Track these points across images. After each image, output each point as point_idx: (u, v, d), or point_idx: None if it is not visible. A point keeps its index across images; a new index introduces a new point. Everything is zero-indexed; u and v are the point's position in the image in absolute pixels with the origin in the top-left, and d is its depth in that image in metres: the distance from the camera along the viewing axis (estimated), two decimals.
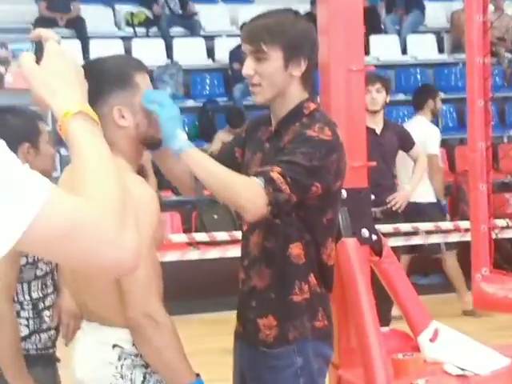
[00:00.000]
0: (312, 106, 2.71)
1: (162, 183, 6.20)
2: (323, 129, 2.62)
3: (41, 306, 2.97)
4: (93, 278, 2.26)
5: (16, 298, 2.91)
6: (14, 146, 2.84)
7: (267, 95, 2.67)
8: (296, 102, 2.69)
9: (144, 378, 2.31)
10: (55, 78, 1.52)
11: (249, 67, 2.65)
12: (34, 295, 2.95)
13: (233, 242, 6.26)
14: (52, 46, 1.55)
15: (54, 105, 1.51)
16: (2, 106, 3.04)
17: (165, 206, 7.25)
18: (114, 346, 2.31)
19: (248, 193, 2.50)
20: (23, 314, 2.94)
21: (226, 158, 2.87)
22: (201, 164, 2.52)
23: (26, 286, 2.92)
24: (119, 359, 2.31)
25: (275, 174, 2.50)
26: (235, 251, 3.13)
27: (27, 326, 2.93)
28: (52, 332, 2.98)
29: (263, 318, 2.70)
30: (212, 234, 6.95)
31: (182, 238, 6.97)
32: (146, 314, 2.23)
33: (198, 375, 2.31)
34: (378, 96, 5.93)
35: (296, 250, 2.67)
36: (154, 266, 2.30)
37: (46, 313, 2.97)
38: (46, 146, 2.98)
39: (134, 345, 2.30)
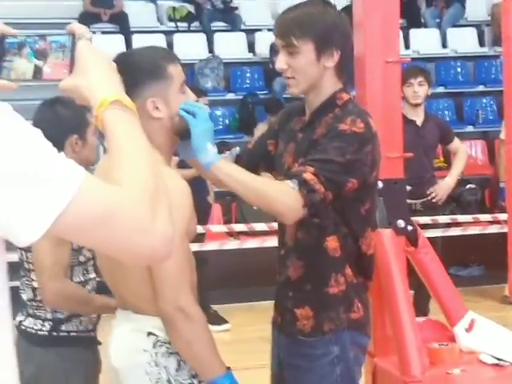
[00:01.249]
0: (345, 96, 2.70)
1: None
2: (355, 121, 2.60)
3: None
4: (127, 267, 2.27)
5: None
6: (62, 137, 2.91)
7: (302, 87, 2.68)
8: (330, 92, 2.69)
9: (178, 365, 2.32)
10: (91, 73, 1.53)
11: (282, 61, 2.66)
12: (76, 279, 2.98)
13: (271, 232, 6.28)
14: (85, 44, 1.56)
15: (89, 95, 1.52)
16: (51, 98, 3.10)
17: None
18: (149, 333, 2.32)
19: (283, 198, 2.52)
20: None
21: (260, 152, 2.91)
22: (231, 176, 2.53)
23: (69, 270, 2.95)
24: (154, 347, 2.32)
25: (308, 174, 2.50)
26: (273, 241, 3.13)
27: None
28: (94, 316, 3.01)
29: (300, 308, 2.71)
30: (251, 224, 6.95)
31: (221, 228, 6.95)
32: (177, 307, 2.23)
33: (228, 368, 2.32)
34: (420, 89, 5.89)
35: (332, 243, 2.67)
36: (187, 258, 2.30)
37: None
38: (93, 138, 3.02)
39: (167, 332, 2.31)
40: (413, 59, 8.02)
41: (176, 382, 2.31)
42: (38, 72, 1.53)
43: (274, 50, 9.97)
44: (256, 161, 2.88)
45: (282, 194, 2.51)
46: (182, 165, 4.65)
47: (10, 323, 1.44)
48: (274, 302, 2.88)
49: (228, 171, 2.52)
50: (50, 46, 1.55)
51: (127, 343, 2.38)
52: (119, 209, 1.33)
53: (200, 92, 7.04)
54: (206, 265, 6.50)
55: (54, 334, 2.95)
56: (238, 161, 2.86)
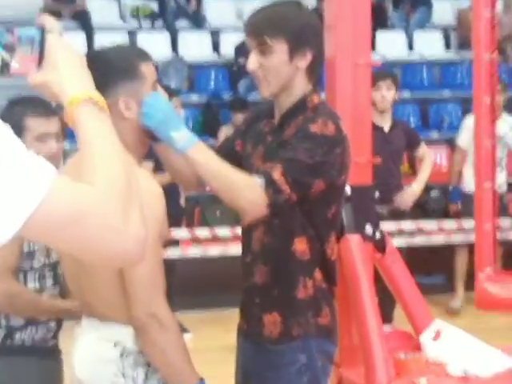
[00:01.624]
0: (316, 99, 2.70)
1: None
2: (326, 123, 2.61)
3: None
4: (95, 272, 2.25)
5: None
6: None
7: (273, 89, 2.67)
8: (300, 94, 2.69)
9: (146, 376, 2.30)
10: (62, 68, 1.53)
11: (254, 61, 2.65)
12: (30, 285, 2.93)
13: (235, 238, 6.27)
14: (55, 38, 1.56)
15: (60, 93, 1.52)
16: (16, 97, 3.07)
17: None
18: (116, 343, 2.29)
19: (249, 194, 2.51)
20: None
21: (227, 152, 2.87)
22: (203, 163, 2.50)
23: (21, 275, 2.91)
24: (121, 357, 2.29)
25: (277, 173, 2.51)
26: (237, 248, 3.12)
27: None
28: (52, 324, 2.96)
29: (268, 314, 2.70)
30: (214, 229, 6.93)
31: (184, 233, 6.93)
32: (151, 314, 2.21)
33: (201, 379, 2.30)
34: (387, 94, 5.90)
35: (301, 245, 2.67)
36: (160, 263, 2.27)
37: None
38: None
39: (135, 342, 2.29)
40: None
41: None
42: (5, 66, 1.53)
43: (239, 51, 10.00)
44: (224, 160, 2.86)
45: (248, 191, 2.51)
46: (156, 170, 4.64)
47: None
48: (239, 309, 2.86)
49: (200, 158, 2.49)
50: (17, 39, 1.54)
51: (93, 353, 2.35)
52: (90, 208, 1.33)
53: (172, 92, 7.04)
54: (173, 271, 6.54)
55: (8, 342, 2.89)
56: None
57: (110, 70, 2.27)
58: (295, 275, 2.68)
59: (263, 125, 2.81)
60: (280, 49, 2.62)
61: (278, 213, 2.59)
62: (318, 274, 2.70)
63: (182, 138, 2.44)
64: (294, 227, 2.67)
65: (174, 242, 6.83)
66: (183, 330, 6.89)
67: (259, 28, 2.64)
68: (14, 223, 1.26)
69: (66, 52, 1.55)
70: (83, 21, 10.42)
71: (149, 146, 2.49)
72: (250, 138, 2.83)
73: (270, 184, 2.50)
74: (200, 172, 2.53)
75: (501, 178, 6.53)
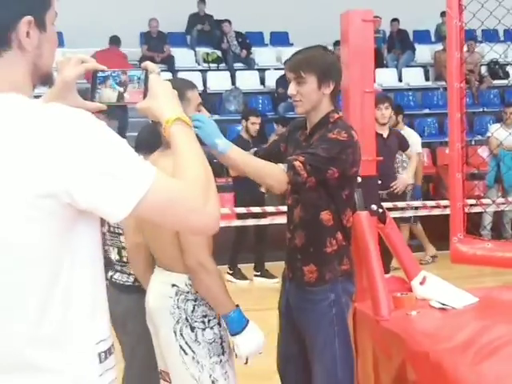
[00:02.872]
0: (336, 116, 2.69)
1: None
2: (340, 132, 2.61)
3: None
4: (162, 235, 2.28)
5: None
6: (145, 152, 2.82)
7: (306, 108, 2.66)
8: (325, 112, 2.68)
9: (193, 308, 2.32)
10: (161, 98, 1.52)
11: (292, 89, 2.64)
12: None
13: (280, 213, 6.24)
14: (156, 76, 1.56)
15: (159, 115, 1.51)
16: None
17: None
18: (173, 285, 2.34)
19: (274, 175, 2.52)
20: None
21: (274, 150, 2.90)
22: (238, 159, 2.48)
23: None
24: (176, 294, 2.33)
25: (297, 162, 2.51)
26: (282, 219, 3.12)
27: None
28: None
29: (307, 266, 2.70)
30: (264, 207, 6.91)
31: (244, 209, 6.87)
32: (199, 262, 2.24)
33: (237, 306, 2.32)
34: (386, 112, 5.87)
35: (325, 215, 2.67)
36: None
37: None
38: None
39: (186, 285, 2.32)
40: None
41: (191, 320, 2.31)
42: (120, 97, 1.54)
43: (279, 83, 9.99)
44: (269, 157, 2.82)
45: (274, 172, 2.52)
46: None
47: (104, 281, 1.44)
48: (285, 262, 2.86)
49: (236, 156, 2.47)
50: (128, 78, 1.54)
51: (158, 290, 2.39)
52: (181, 195, 1.33)
53: (254, 112, 7.12)
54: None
55: (136, 284, 2.89)
56: (255, 154, 2.83)
57: None
58: (324, 237, 2.69)
59: (299, 134, 2.80)
60: (311, 80, 2.62)
61: (297, 191, 2.60)
62: (339, 235, 2.70)
63: (222, 143, 2.41)
64: (320, 204, 2.68)
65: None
66: (243, 277, 6.97)
67: (297, 65, 2.64)
68: (130, 204, 1.27)
69: (163, 86, 1.55)
70: (169, 64, 10.48)
71: None
72: (291, 142, 2.83)
73: (291, 168, 2.50)
74: (236, 166, 2.52)
75: None
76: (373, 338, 2.86)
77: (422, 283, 3.09)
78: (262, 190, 6.63)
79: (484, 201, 6.61)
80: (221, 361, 2.32)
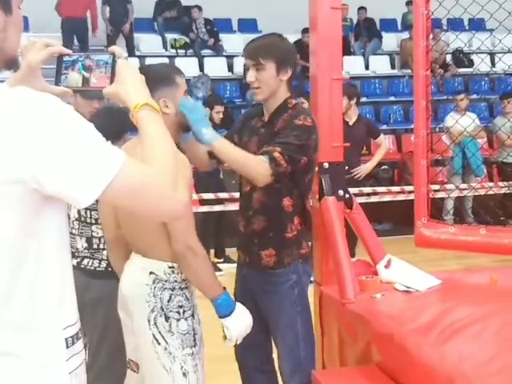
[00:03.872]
0: (293, 101, 2.75)
1: None
2: (306, 118, 2.67)
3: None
4: (145, 223, 2.25)
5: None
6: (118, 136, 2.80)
7: (265, 95, 2.70)
8: (283, 98, 2.72)
9: (170, 297, 2.29)
10: (127, 82, 1.51)
11: (252, 76, 2.67)
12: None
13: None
14: (124, 61, 1.55)
15: (127, 100, 1.50)
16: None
17: None
18: (151, 272, 2.30)
19: (258, 168, 2.54)
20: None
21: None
22: (222, 151, 2.52)
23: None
24: (153, 282, 2.29)
25: (276, 153, 2.54)
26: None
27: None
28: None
29: (265, 250, 2.75)
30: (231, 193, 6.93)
31: (209, 196, 6.89)
32: (188, 246, 2.22)
33: (224, 288, 2.35)
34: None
35: (287, 201, 2.73)
36: (192, 213, 2.29)
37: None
38: None
39: (165, 273, 2.29)
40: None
41: (167, 310, 2.28)
42: (85, 82, 1.53)
43: (244, 70, 9.97)
44: None
45: (257, 165, 2.54)
46: None
47: (71, 266, 1.43)
48: (238, 248, 2.91)
49: (222, 147, 2.51)
50: (95, 63, 1.53)
51: (134, 277, 2.35)
52: (151, 181, 1.32)
53: (219, 101, 7.11)
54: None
55: (109, 269, 2.89)
56: None
57: (154, 78, 2.24)
58: (284, 222, 2.74)
59: (255, 122, 2.82)
60: (270, 67, 2.65)
61: (278, 180, 2.62)
62: (297, 221, 2.76)
63: (209, 133, 2.44)
64: (283, 190, 2.72)
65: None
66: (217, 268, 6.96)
67: (255, 52, 2.66)
68: (98, 188, 1.25)
69: (131, 71, 1.54)
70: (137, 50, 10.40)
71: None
72: (245, 131, 2.84)
73: (272, 160, 2.54)
74: (222, 156, 2.55)
75: None
76: (339, 320, 2.89)
77: (386, 267, 3.12)
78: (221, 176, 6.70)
79: (447, 186, 6.71)
80: (192, 353, 2.30)
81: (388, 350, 2.42)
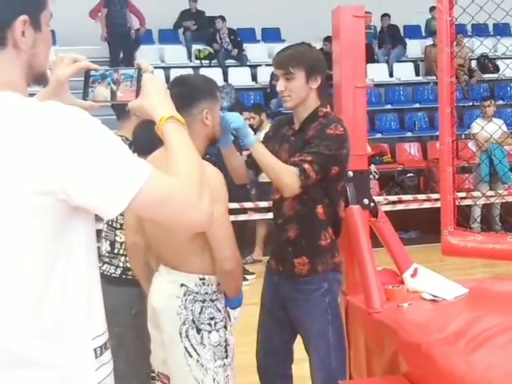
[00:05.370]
0: (324, 110, 2.75)
1: None
2: (337, 127, 2.66)
3: None
4: (176, 237, 2.24)
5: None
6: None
7: (295, 103, 2.71)
8: (313, 107, 2.73)
9: (201, 309, 2.28)
10: (153, 96, 1.52)
11: (281, 85, 2.69)
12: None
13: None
14: (149, 75, 1.56)
15: (153, 113, 1.51)
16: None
17: None
18: (182, 285, 2.29)
19: (289, 179, 2.57)
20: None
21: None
22: (262, 155, 2.59)
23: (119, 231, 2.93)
24: (184, 295, 2.28)
25: (307, 165, 2.56)
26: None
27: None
28: None
29: (298, 258, 2.74)
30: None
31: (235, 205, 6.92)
32: (238, 260, 2.27)
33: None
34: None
35: (320, 210, 2.73)
36: (231, 225, 2.31)
37: None
38: None
39: (196, 285, 2.28)
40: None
41: (198, 322, 2.27)
42: (113, 95, 1.54)
43: (271, 79, 9.99)
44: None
45: (288, 176, 2.57)
46: None
47: (98, 276, 1.44)
48: (270, 256, 2.92)
49: (261, 151, 2.60)
50: (121, 77, 1.55)
51: (165, 290, 2.33)
52: (176, 193, 1.33)
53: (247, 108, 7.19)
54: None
55: (123, 276, 2.93)
56: (247, 160, 2.89)
57: (199, 90, 2.30)
58: (318, 230, 2.74)
59: (286, 130, 2.83)
60: (300, 76, 2.66)
61: (303, 191, 2.63)
62: (330, 230, 2.76)
63: (252, 136, 2.57)
64: (316, 198, 2.72)
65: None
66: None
67: (285, 61, 2.68)
68: (125, 200, 1.27)
69: (156, 85, 1.55)
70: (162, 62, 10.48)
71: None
72: (276, 139, 2.85)
73: (302, 172, 2.57)
74: (259, 160, 2.60)
75: None
76: (365, 330, 2.88)
77: (413, 276, 3.10)
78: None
79: (474, 194, 6.63)
80: (224, 364, 2.29)
81: (415, 360, 2.40)
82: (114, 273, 2.96)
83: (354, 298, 3.04)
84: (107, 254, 3.00)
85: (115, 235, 2.97)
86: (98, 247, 3.00)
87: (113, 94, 1.54)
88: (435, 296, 2.91)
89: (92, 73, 1.55)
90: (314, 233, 2.74)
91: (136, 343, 2.47)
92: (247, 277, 6.71)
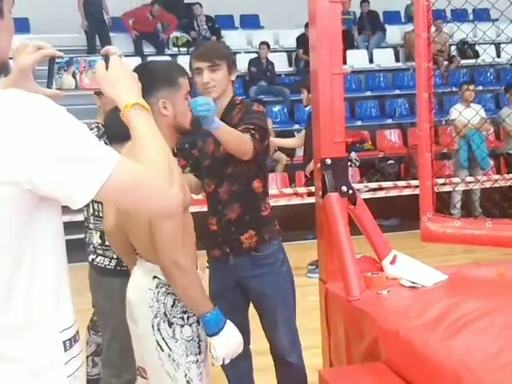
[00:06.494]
0: (238, 99, 3.01)
1: None
2: (259, 106, 2.98)
3: None
4: (141, 231, 2.22)
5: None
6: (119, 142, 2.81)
7: (218, 93, 2.88)
8: (231, 96, 2.95)
9: (173, 303, 2.25)
10: (118, 82, 1.50)
11: (207, 77, 2.86)
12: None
13: None
14: (115, 59, 1.53)
15: (118, 100, 1.50)
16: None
17: None
18: (154, 277, 2.25)
19: (248, 143, 2.76)
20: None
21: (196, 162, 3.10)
22: (228, 132, 2.70)
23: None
24: (157, 287, 2.25)
25: (252, 131, 2.78)
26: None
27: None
28: None
29: (244, 234, 2.91)
30: None
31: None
32: (173, 261, 2.14)
33: (214, 305, 2.25)
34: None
35: (256, 184, 2.93)
36: (183, 223, 2.18)
37: None
38: None
39: None
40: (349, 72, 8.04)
41: (170, 315, 2.23)
42: (79, 83, 1.54)
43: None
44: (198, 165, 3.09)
45: (247, 141, 2.77)
46: None
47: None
48: (213, 245, 2.98)
49: (224, 129, 2.69)
50: (88, 63, 1.54)
51: (139, 282, 2.32)
52: (146, 179, 1.33)
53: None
54: None
55: (118, 268, 2.94)
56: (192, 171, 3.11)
57: (155, 77, 2.21)
58: (258, 203, 2.94)
59: None
60: (223, 67, 2.87)
61: (237, 166, 2.85)
62: (267, 200, 2.99)
63: (217, 120, 2.64)
64: (250, 175, 2.92)
65: None
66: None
67: (210, 54, 2.87)
68: (94, 187, 1.26)
69: (122, 70, 1.53)
70: (138, 48, 10.40)
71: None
72: (199, 136, 3.02)
73: (253, 137, 2.79)
74: (223, 139, 2.71)
75: None
76: (345, 318, 2.89)
77: (392, 263, 3.11)
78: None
79: (453, 180, 6.68)
80: (197, 360, 2.25)
81: (394, 347, 2.41)
82: (109, 264, 2.97)
83: (333, 286, 3.05)
84: (99, 246, 2.99)
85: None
86: (91, 240, 3.00)
87: (79, 81, 1.52)
88: (414, 283, 2.92)
89: (57, 60, 1.53)
90: (255, 206, 2.92)
91: (130, 335, 2.47)
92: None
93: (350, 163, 8.32)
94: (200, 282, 2.25)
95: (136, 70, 2.22)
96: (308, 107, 5.88)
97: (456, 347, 2.18)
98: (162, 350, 2.23)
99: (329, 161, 3.02)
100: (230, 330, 2.25)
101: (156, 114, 2.16)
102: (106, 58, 1.52)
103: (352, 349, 2.82)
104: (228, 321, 2.27)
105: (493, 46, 10.85)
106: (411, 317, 2.50)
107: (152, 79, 2.18)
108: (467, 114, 6.56)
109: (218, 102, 2.86)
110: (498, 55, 11.03)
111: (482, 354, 2.10)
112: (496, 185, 5.96)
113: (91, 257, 3.04)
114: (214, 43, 3.07)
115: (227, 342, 2.23)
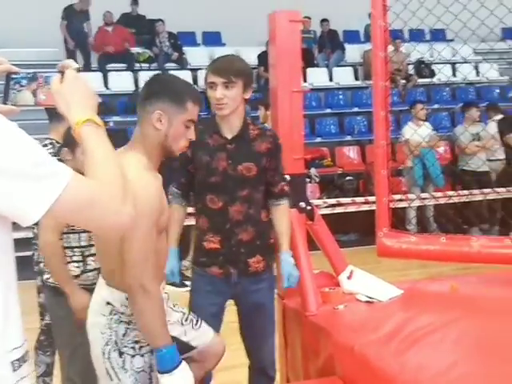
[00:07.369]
0: (249, 119, 2.88)
1: None
2: (279, 139, 2.90)
3: (86, 253, 2.89)
4: (105, 252, 2.16)
5: (69, 245, 2.87)
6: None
7: (230, 110, 2.76)
8: (242, 114, 2.82)
9: (125, 331, 2.14)
10: (70, 96, 1.45)
11: (220, 93, 2.72)
12: (83, 244, 2.89)
13: None
14: (70, 73, 1.48)
15: (69, 116, 1.45)
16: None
17: None
18: (108, 303, 2.15)
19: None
20: (74, 258, 2.88)
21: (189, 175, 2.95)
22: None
23: (76, 236, 2.87)
24: (110, 314, 2.15)
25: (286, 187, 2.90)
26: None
27: (78, 267, 2.87)
28: (96, 272, 2.82)
29: (252, 258, 2.83)
30: None
31: None
32: (140, 283, 2.00)
33: (172, 344, 2.06)
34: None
35: (263, 213, 2.88)
36: (153, 245, 2.05)
37: (91, 258, 2.88)
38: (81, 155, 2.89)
39: (122, 305, 2.13)
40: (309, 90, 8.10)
41: (121, 345, 2.12)
42: (35, 99, 1.50)
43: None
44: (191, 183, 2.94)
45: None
46: None
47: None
48: (214, 261, 2.85)
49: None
50: (44, 79, 1.50)
51: (94, 305, 2.22)
52: (99, 195, 1.30)
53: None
54: None
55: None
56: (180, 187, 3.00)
57: (165, 88, 2.09)
58: (267, 231, 2.89)
59: (214, 140, 2.83)
60: (239, 85, 2.72)
61: (255, 193, 2.81)
62: (271, 230, 2.92)
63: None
64: (262, 203, 2.86)
65: None
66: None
67: (227, 70, 2.72)
68: (44, 205, 1.22)
69: (77, 84, 1.47)
70: (101, 64, 10.33)
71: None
72: (202, 149, 2.82)
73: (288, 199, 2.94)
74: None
75: None
76: (301, 333, 2.89)
77: (349, 278, 3.14)
78: None
79: (409, 196, 6.77)
80: None
81: (349, 362, 2.42)
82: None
83: (291, 301, 3.06)
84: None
85: (79, 239, 2.90)
86: (39, 257, 2.93)
87: (35, 97, 1.49)
88: (370, 297, 2.94)
89: (14, 76, 1.50)
90: (266, 233, 2.88)
91: (89, 356, 2.42)
92: (186, 283, 6.64)
93: (309, 179, 8.35)
94: (163, 312, 2.07)
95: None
96: (265, 124, 5.93)
97: (409, 362, 2.20)
98: (111, 380, 2.13)
99: (288, 177, 3.04)
100: (184, 371, 2.07)
101: (147, 124, 2.09)
102: (63, 73, 1.49)
103: (308, 364, 2.82)
104: (183, 361, 2.09)
105: (448, 65, 11.09)
106: (366, 332, 2.51)
107: (159, 88, 2.10)
108: (420, 132, 6.68)
109: (227, 120, 2.78)
110: (454, 74, 11.25)
111: (434, 369, 2.13)
112: (450, 201, 6.06)
113: (45, 276, 2.95)
114: (232, 58, 2.82)
115: (179, 382, 2.04)
